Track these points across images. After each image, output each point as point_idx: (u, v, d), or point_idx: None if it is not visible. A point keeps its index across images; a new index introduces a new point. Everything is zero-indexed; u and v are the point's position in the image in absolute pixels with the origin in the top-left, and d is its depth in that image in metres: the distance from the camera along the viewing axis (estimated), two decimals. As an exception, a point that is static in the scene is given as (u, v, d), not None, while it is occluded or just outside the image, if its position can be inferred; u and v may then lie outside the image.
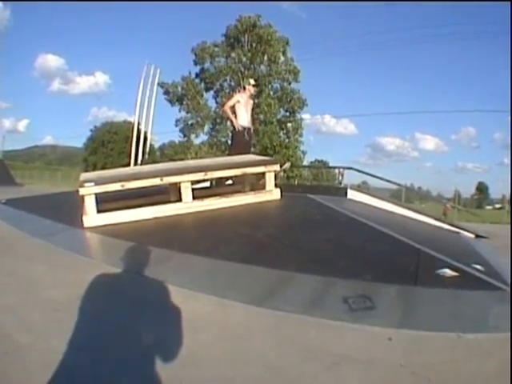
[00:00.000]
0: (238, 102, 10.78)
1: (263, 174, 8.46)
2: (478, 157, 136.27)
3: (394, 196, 20.27)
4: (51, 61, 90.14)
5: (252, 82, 11.83)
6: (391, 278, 4.71)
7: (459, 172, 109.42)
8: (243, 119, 10.67)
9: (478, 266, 5.34)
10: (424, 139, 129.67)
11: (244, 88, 11.52)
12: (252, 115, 11.43)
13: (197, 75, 47.22)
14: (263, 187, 8.48)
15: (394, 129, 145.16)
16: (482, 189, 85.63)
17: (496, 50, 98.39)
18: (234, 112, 10.79)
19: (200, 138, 47.83)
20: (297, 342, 3.57)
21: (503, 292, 4.46)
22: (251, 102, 11.27)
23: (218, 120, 42.34)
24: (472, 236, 9.54)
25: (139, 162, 16.99)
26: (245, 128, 10.65)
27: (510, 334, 3.47)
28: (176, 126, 47.38)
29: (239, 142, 10.66)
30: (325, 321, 3.85)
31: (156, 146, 52.35)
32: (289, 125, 46.44)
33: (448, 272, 4.84)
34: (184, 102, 46.20)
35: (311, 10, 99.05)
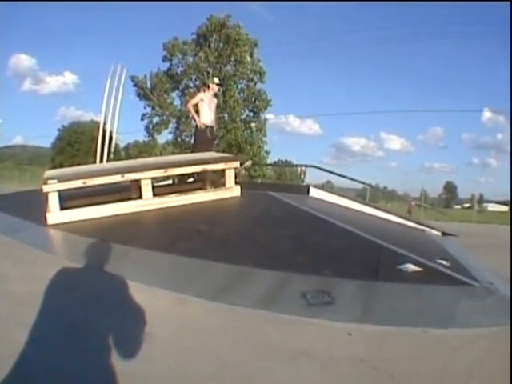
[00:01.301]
0: (202, 100, 10.85)
1: (224, 171, 8.43)
2: (446, 157, 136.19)
3: (360, 196, 20.35)
4: (23, 60, 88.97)
5: (216, 80, 11.94)
6: (351, 274, 4.67)
7: (426, 172, 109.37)
8: (206, 117, 10.72)
9: (444, 262, 5.34)
10: (389, 139, 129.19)
11: (208, 86, 11.51)
12: (216, 114, 11.53)
13: (165, 72, 47.14)
14: (222, 184, 8.50)
15: (359, 129, 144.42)
16: (449, 188, 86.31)
17: (464, 48, 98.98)
18: (197, 110, 10.83)
19: (165, 137, 47.73)
20: (253, 337, 3.53)
21: (471, 287, 4.45)
22: (215, 100, 11.33)
23: (183, 119, 42.22)
24: (438, 234, 9.59)
25: (104, 161, 16.96)
26: (207, 126, 10.72)
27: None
28: (142, 120, 47.27)
29: (202, 140, 10.74)
30: (282, 316, 3.81)
31: (121, 145, 52.11)
32: (253, 124, 46.43)
33: (411, 267, 4.81)
34: (151, 99, 46.10)
35: (279, 13, 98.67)
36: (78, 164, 10.98)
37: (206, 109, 10.76)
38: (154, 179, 7.78)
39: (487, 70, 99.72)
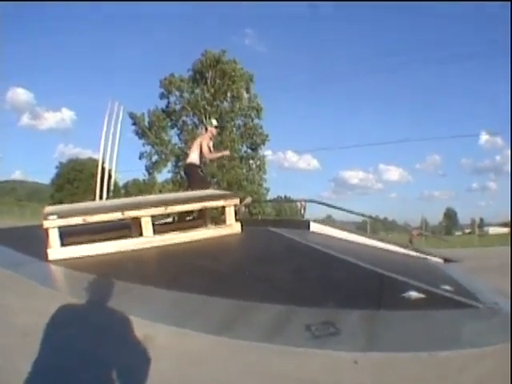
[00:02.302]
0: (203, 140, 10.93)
1: (224, 208, 8.45)
2: (445, 184, 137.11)
3: (360, 228, 20.28)
4: (21, 94, 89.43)
5: (214, 123, 12.06)
6: (355, 304, 4.64)
7: (426, 200, 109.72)
8: (199, 158, 10.89)
9: (447, 287, 5.33)
10: (387, 170, 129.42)
11: (206, 129, 11.69)
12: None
13: (163, 110, 47.32)
14: (222, 221, 8.51)
15: (357, 162, 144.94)
16: (449, 215, 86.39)
17: (455, 72, 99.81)
18: (196, 148, 10.92)
19: (164, 175, 47.83)
20: (258, 369, 3.50)
21: (475, 309, 4.45)
22: (211, 142, 11.33)
23: (181, 157, 42.36)
24: (440, 261, 9.50)
25: (104, 199, 16.96)
26: (199, 166, 10.89)
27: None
28: (140, 159, 47.40)
29: (197, 178, 10.85)
30: (287, 348, 3.74)
31: (121, 184, 52.22)
32: (251, 161, 46.47)
33: (414, 294, 4.79)
34: (149, 137, 46.27)
35: (273, 45, 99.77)
36: (78, 201, 10.96)
37: (199, 149, 10.86)
38: (154, 217, 7.76)
39: (481, 93, 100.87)
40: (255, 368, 3.53)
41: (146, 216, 7.49)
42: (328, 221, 15.13)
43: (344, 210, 15.42)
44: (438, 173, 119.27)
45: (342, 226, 12.44)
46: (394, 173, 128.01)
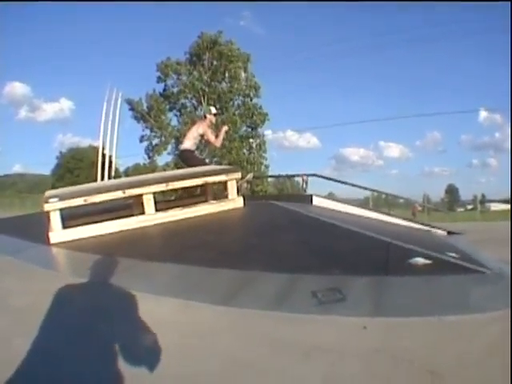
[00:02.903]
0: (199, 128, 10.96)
1: (225, 183, 8.43)
2: (446, 160, 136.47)
3: (362, 205, 20.36)
4: (18, 88, 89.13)
5: (213, 110, 11.84)
6: (361, 271, 4.64)
7: (426, 176, 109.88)
8: (194, 144, 10.96)
9: (453, 254, 5.34)
10: (388, 147, 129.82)
11: (205, 117, 11.42)
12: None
13: (161, 94, 47.25)
14: (224, 196, 8.52)
15: (357, 139, 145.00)
16: (451, 191, 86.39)
17: (454, 48, 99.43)
18: (192, 135, 11.01)
19: (164, 158, 47.79)
20: (264, 336, 3.48)
21: (482, 274, 4.46)
22: (210, 130, 11.15)
23: (181, 139, 42.42)
24: (444, 233, 9.60)
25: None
26: (194, 151, 10.94)
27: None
28: (141, 142, 47.39)
29: (196, 160, 10.73)
30: (293, 315, 3.75)
31: (121, 169, 52.27)
32: (251, 141, 46.44)
33: (421, 260, 4.78)
34: (148, 120, 46.24)
35: (270, 26, 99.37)
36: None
37: (197, 137, 10.91)
38: (156, 194, 7.74)
39: (480, 69, 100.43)
40: (262, 336, 3.51)
41: (147, 193, 7.45)
42: (330, 197, 15.03)
43: (346, 183, 15.60)
44: (438, 149, 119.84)
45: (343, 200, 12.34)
46: (394, 149, 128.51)
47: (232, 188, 8.33)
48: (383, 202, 36.47)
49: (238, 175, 8.78)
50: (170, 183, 7.83)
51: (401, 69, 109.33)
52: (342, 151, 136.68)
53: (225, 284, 4.63)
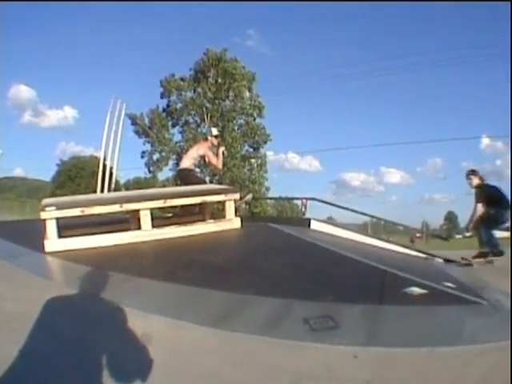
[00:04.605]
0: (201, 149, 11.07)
1: (224, 203, 8.37)
2: (446, 187, 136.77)
3: (361, 229, 20.34)
4: (23, 91, 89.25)
5: (214, 132, 11.78)
6: (355, 298, 4.60)
7: (426, 203, 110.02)
8: (192, 164, 11.03)
9: (449, 284, 5.31)
10: (389, 173, 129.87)
11: (206, 139, 11.53)
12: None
13: (164, 110, 47.42)
14: (222, 216, 8.44)
15: (359, 164, 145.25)
16: (450, 218, 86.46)
17: (456, 75, 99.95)
18: (191, 155, 11.10)
19: (165, 173, 47.92)
20: (253, 360, 3.47)
21: (478, 305, 4.43)
22: (210, 152, 11.14)
23: (182, 155, 42.37)
24: (441, 261, 9.69)
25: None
26: (192, 170, 11.00)
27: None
28: (142, 157, 47.54)
29: (194, 179, 10.78)
30: (284, 341, 3.67)
31: (122, 181, 52.35)
32: (253, 160, 46.55)
33: (416, 290, 4.72)
34: (150, 135, 46.39)
35: (277, 47, 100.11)
36: (78, 196, 10.90)
37: (195, 156, 11.03)
38: (153, 210, 7.72)
39: (483, 96, 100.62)
40: (251, 360, 3.49)
41: (144, 209, 7.43)
42: (329, 222, 15.06)
43: (345, 208, 15.48)
44: (439, 176, 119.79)
45: (341, 225, 12.28)
46: (395, 175, 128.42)
47: (230, 208, 8.29)
48: (382, 228, 36.53)
49: (237, 195, 8.74)
50: (168, 200, 7.81)
51: (403, 95, 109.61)
52: (343, 175, 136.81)
53: (216, 305, 4.58)
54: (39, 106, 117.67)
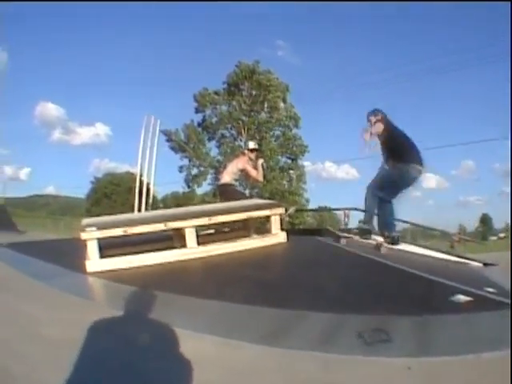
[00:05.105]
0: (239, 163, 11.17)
1: (268, 217, 8.35)
2: (479, 189, 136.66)
3: (400, 236, 20.18)
4: (51, 110, 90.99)
5: (251, 145, 11.77)
6: (405, 310, 4.63)
7: (462, 206, 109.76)
8: (232, 179, 11.09)
9: (490, 289, 5.29)
10: (425, 177, 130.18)
11: (244, 153, 11.63)
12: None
13: (199, 124, 47.70)
14: (269, 231, 8.35)
15: None
16: (485, 220, 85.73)
17: (483, 75, 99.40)
18: (230, 170, 11.20)
19: (204, 188, 48.19)
20: (310, 377, 3.44)
21: None
22: (249, 166, 11.26)
23: (221, 170, 42.53)
24: (480, 265, 9.16)
25: (143, 211, 16.91)
26: (233, 184, 11.08)
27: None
28: (180, 172, 47.84)
29: (236, 194, 10.85)
30: (339, 356, 3.69)
31: (159, 197, 52.62)
32: (291, 172, 46.69)
33: (462, 298, 4.77)
34: (186, 150, 46.65)
35: (306, 56, 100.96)
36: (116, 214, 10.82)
37: (235, 171, 11.15)
38: (197, 227, 7.63)
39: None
40: (308, 378, 3.48)
41: (189, 227, 7.38)
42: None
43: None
44: (472, 178, 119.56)
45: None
46: (431, 180, 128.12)
47: (275, 223, 8.24)
48: (420, 232, 36.13)
49: (282, 210, 8.76)
50: (213, 217, 7.77)
51: (436, 99, 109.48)
52: None
53: (268, 323, 4.53)
54: (69, 124, 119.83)
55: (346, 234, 9.27)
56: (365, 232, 9.11)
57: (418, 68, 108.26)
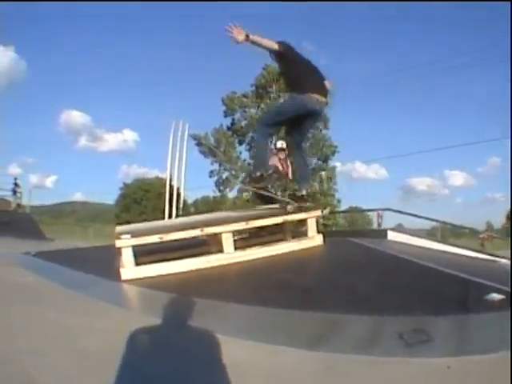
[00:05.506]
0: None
1: (303, 220, 8.29)
2: (504, 185, 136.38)
3: (430, 234, 20.35)
4: (76, 117, 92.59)
5: (279, 145, 11.96)
6: (442, 309, 4.64)
7: (489, 203, 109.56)
8: None
9: None
10: (452, 175, 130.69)
11: (273, 154, 11.88)
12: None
13: (228, 128, 47.77)
14: (304, 234, 8.34)
15: (423, 168, 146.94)
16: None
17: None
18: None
19: (235, 191, 48.24)
20: (356, 380, 3.47)
21: None
22: (280, 164, 11.66)
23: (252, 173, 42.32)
24: (509, 262, 9.40)
25: (173, 217, 16.87)
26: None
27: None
28: (210, 177, 47.92)
29: (269, 193, 10.61)
30: (381, 358, 3.72)
31: (190, 201, 52.72)
32: (322, 173, 46.66)
33: (496, 296, 4.81)
34: (216, 155, 46.74)
35: (335, 55, 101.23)
36: (145, 220, 10.80)
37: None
38: (234, 232, 7.60)
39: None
40: (353, 381, 3.51)
41: (227, 232, 7.34)
42: (400, 229, 14.97)
43: (420, 216, 15.34)
44: (498, 174, 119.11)
45: (414, 232, 12.47)
46: (458, 177, 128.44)
47: (312, 226, 8.21)
48: (449, 231, 35.85)
49: (319, 213, 8.85)
50: (250, 222, 7.72)
51: (462, 97, 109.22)
52: (409, 181, 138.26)
53: (310, 327, 4.55)
54: (96, 131, 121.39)
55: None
56: (257, 180, 8.35)
57: (442, 65, 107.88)
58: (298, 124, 7.95)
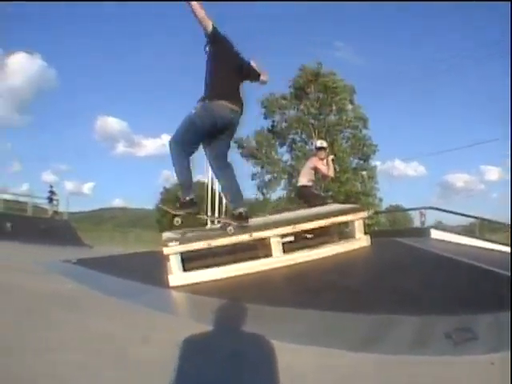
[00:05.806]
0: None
1: (349, 222, 8.40)
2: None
3: (468, 231, 20.35)
4: (112, 123, 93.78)
5: (318, 144, 12.16)
6: (487, 307, 4.73)
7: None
8: (309, 181, 11.50)
9: None
10: (488, 171, 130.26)
11: (314, 154, 12.07)
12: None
13: (269, 130, 47.78)
14: (350, 235, 8.36)
15: (460, 164, 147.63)
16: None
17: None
18: (306, 172, 11.62)
19: (278, 193, 48.23)
20: (410, 381, 3.50)
21: None
22: (321, 164, 11.56)
23: (294, 174, 42.24)
24: None
25: (216, 222, 16.76)
26: (311, 186, 11.48)
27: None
28: (252, 180, 47.94)
29: (314, 196, 11.25)
30: (434, 358, 3.79)
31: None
32: (363, 172, 46.52)
33: None
34: (258, 157, 46.77)
35: (369, 55, 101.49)
36: (189, 225, 10.75)
37: (311, 172, 11.60)
38: (282, 236, 7.60)
39: None
40: (407, 381, 3.53)
41: (275, 236, 7.39)
42: (440, 226, 14.99)
43: (462, 214, 15.87)
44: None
45: (452, 229, 13.08)
46: (493, 172, 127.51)
47: (359, 227, 8.24)
48: (486, 227, 35.37)
49: (365, 214, 8.84)
50: (297, 225, 7.75)
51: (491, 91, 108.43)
52: (447, 178, 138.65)
53: (362, 329, 4.63)
54: (133, 137, 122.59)
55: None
56: (188, 205, 7.22)
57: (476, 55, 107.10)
58: (215, 137, 7.11)
